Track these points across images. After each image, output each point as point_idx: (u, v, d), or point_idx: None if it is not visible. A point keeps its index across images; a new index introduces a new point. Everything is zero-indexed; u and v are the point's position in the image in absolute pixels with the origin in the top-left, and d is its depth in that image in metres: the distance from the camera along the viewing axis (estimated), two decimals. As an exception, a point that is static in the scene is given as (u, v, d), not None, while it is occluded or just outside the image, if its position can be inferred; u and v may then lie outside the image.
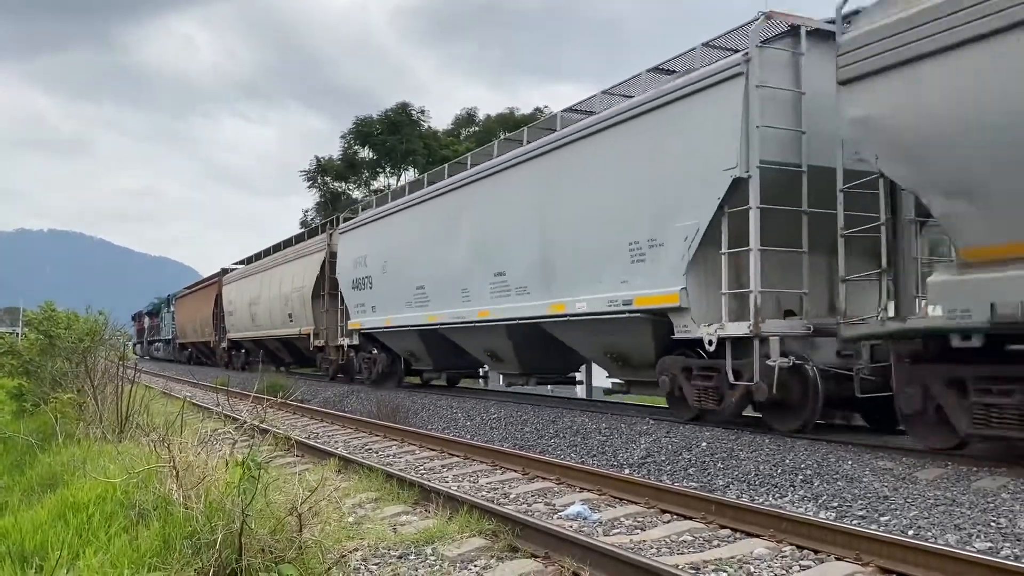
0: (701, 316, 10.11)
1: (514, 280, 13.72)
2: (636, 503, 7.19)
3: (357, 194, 49.19)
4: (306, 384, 21.92)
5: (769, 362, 9.12)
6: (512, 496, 7.73)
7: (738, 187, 9.38)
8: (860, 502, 6.90)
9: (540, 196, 12.93)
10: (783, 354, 9.11)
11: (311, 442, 11.17)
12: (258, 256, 29.68)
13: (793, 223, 9.41)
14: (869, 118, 7.91)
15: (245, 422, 6.22)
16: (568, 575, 5.04)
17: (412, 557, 5.46)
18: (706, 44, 10.61)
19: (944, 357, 7.71)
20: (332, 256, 21.60)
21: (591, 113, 12.35)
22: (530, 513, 6.72)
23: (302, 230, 25.88)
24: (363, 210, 20.91)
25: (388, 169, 50.14)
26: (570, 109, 13.49)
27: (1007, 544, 5.60)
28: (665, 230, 10.41)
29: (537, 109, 50.30)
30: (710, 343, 9.89)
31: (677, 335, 10.44)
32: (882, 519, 6.45)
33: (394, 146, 47.80)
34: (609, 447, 10.21)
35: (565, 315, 12.27)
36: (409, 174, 47.41)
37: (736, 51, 9.83)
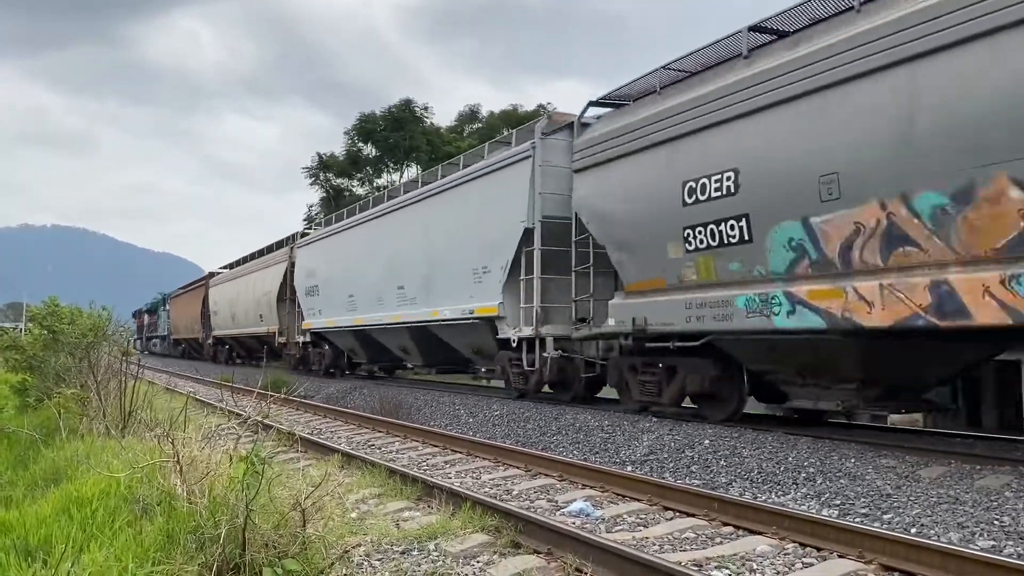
0: (511, 322, 13.92)
1: (410, 292, 17.66)
2: (639, 500, 7.19)
3: (360, 191, 49.19)
4: (309, 380, 22.01)
5: (544, 354, 13.15)
6: (515, 493, 7.74)
7: (528, 234, 13.39)
8: (863, 500, 6.90)
9: (425, 229, 17.08)
10: (557, 348, 13.18)
11: (314, 438, 11.19)
12: (238, 262, 33.52)
13: (566, 256, 13.03)
14: (584, 196, 12.25)
15: (249, 418, 6.23)
16: (571, 572, 5.04)
17: (415, 553, 5.47)
18: (519, 129, 15.03)
19: (626, 350, 12.10)
20: (292, 266, 25.65)
21: (465, 166, 16.46)
22: (533, 510, 6.73)
23: (273, 242, 29.63)
24: (316, 229, 25.33)
25: (391, 166, 50.12)
26: (448, 163, 18.01)
27: (1010, 542, 5.60)
28: (491, 261, 14.43)
29: (540, 106, 50.26)
30: (514, 342, 13.70)
31: (499, 336, 14.26)
32: (885, 517, 6.45)
33: (397, 143, 47.76)
34: (611, 444, 10.22)
35: (438, 320, 16.28)
36: (412, 171, 47.38)
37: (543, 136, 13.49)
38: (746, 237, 9.31)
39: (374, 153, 50.05)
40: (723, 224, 9.57)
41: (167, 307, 49.98)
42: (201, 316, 37.63)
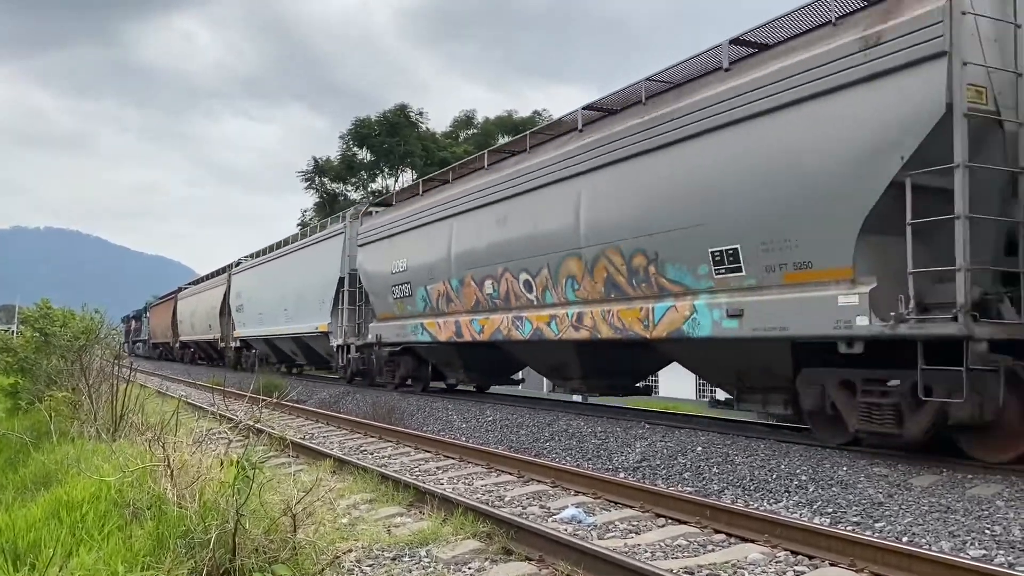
0: (335, 335, 21.26)
1: (290, 313, 24.77)
2: (631, 507, 7.18)
3: (355, 195, 49.17)
4: (302, 384, 22.05)
5: (352, 355, 20.58)
6: (507, 499, 7.73)
7: (342, 280, 20.97)
8: (855, 508, 6.90)
9: (295, 270, 24.95)
10: (358, 351, 20.37)
11: (306, 443, 11.15)
12: (197, 281, 42.74)
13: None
14: (360, 262, 19.65)
15: (240, 422, 6.21)
16: (562, 578, 5.04)
17: (406, 559, 5.45)
18: (339, 214, 23.83)
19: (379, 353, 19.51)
20: (228, 289, 32.85)
21: (321, 228, 24.75)
22: (525, 516, 6.72)
23: (222, 266, 36.83)
24: (248, 260, 32.11)
25: (386, 171, 50.13)
26: (301, 224, 25.61)
27: (1001, 551, 5.61)
28: (325, 295, 21.78)
29: (536, 112, 50.36)
30: (340, 348, 21.19)
31: (331, 344, 21.64)
32: (877, 525, 6.45)
33: (392, 148, 47.78)
34: (604, 451, 10.21)
35: (304, 332, 23.60)
36: (407, 176, 47.39)
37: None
38: (408, 293, 17.09)
39: (369, 158, 50.06)
40: (404, 285, 17.20)
41: (147, 315, 57.07)
42: (172, 324, 44.59)
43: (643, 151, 10.33)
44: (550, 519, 6.84)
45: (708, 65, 9.95)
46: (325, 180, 51.22)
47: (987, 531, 5.95)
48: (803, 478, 7.84)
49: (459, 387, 18.86)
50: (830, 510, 6.98)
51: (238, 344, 31.73)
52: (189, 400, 16.36)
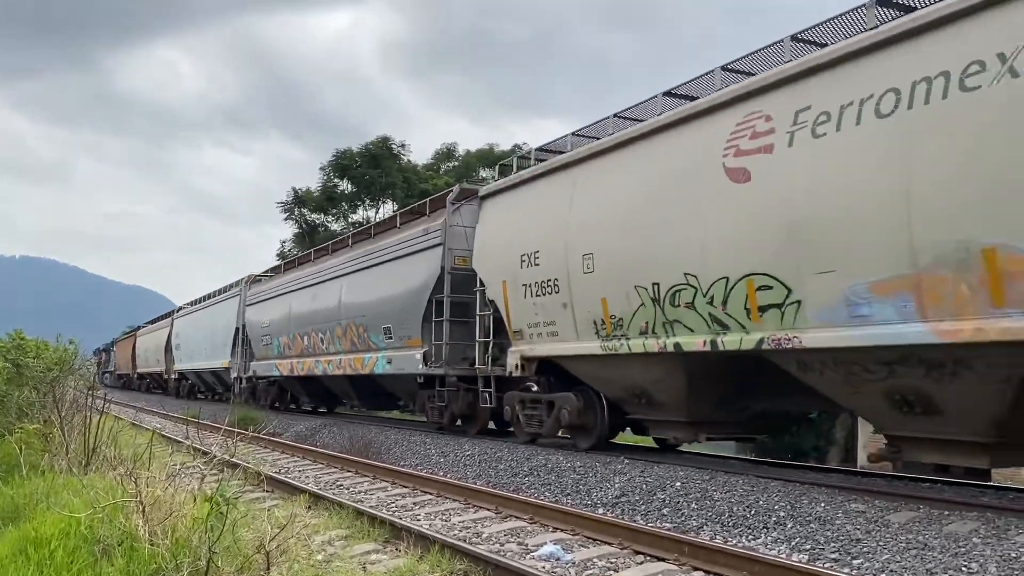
0: (234, 370, 26.89)
1: (207, 352, 30.91)
2: (609, 544, 7.14)
3: (336, 227, 49.08)
4: (278, 418, 21.81)
5: (243, 385, 26.58)
6: (484, 535, 7.65)
7: (238, 331, 26.88)
8: (833, 544, 6.89)
9: (210, 319, 30.89)
10: (248, 380, 26.39)
11: (281, 477, 11.02)
12: (153, 321, 48.11)
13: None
14: (248, 317, 26.93)
15: (215, 456, 6.14)
16: (540, 617, 4.98)
17: (382, 597, 5.38)
18: (236, 281, 29.77)
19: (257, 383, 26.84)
20: (172, 330, 38.46)
21: (217, 292, 31.85)
22: (502, 553, 6.66)
23: (170, 309, 42.36)
24: (187, 306, 37.67)
25: (367, 202, 50.12)
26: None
27: (978, 589, 5.61)
28: (228, 339, 27.78)
29: (516, 145, 50.64)
30: (236, 379, 26.92)
31: (233, 377, 27.26)
32: (855, 562, 6.44)
33: (373, 179, 47.83)
34: (583, 486, 10.16)
35: (215, 367, 29.81)
36: (388, 207, 47.40)
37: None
38: (269, 342, 23.79)
39: (350, 189, 50.06)
40: (267, 336, 23.60)
41: (114, 349, 62.89)
42: (132, 358, 50.11)
43: (361, 268, 18.53)
44: (528, 556, 6.78)
45: (384, 227, 19.58)
46: (305, 211, 51.13)
47: (964, 568, 5.96)
48: (781, 514, 7.83)
49: (316, 408, 25.34)
50: (808, 547, 6.97)
51: (177, 376, 38.09)
52: (163, 432, 16.15)
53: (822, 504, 7.89)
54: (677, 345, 9.83)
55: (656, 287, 9.93)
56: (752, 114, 8.82)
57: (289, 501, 8.76)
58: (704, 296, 9.31)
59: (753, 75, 9.21)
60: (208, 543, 4.29)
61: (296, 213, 51.08)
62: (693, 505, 8.62)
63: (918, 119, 7.11)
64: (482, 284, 13.82)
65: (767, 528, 7.62)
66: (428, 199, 17.52)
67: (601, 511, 8.97)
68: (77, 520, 5.49)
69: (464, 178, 21.74)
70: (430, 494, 10.02)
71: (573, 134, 12.55)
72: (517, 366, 12.88)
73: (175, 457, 8.86)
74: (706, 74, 10.18)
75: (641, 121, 10.50)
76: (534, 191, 12.80)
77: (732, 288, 8.97)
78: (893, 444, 8.32)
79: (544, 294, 12.02)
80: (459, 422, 15.72)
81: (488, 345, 13.91)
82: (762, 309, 8.66)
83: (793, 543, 7.13)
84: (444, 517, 8.61)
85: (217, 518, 4.42)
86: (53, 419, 10.62)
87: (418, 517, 8.57)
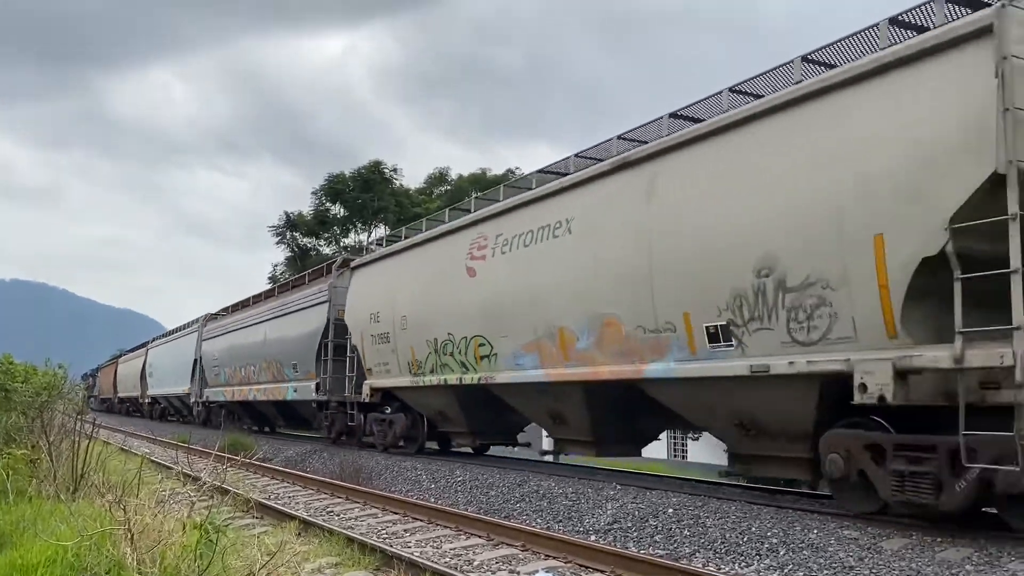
0: (193, 395, 31.89)
1: (173, 379, 35.57)
2: (602, 571, 7.10)
3: (328, 251, 49.11)
4: (268, 443, 21.71)
5: (199, 408, 31.64)
6: (476, 563, 7.60)
7: (196, 361, 31.80)
8: (826, 571, 6.87)
9: (175, 351, 35.59)
10: (203, 403, 31.32)
11: (271, 503, 10.94)
12: (132, 349, 52.81)
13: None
14: (204, 350, 31.35)
15: (205, 483, 6.09)
16: (531, 646, 4.95)
17: (372, 626, 5.33)
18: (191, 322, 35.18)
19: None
20: (147, 359, 42.46)
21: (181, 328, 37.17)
22: (494, 580, 6.61)
23: (160, 333, 45.74)
24: (160, 338, 42.54)
25: (359, 226, 50.19)
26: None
27: (971, 617, 5.59)
28: (188, 369, 32.46)
29: (509, 170, 50.84)
30: (195, 403, 31.83)
31: (192, 401, 32.22)
32: (848, 590, 6.41)
33: (366, 203, 47.93)
34: (576, 512, 10.11)
35: (180, 393, 34.45)
36: (380, 231, 47.45)
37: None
38: (219, 372, 28.74)
39: (342, 213, 50.14)
40: (216, 367, 28.90)
41: (98, 375, 65.65)
42: (113, 383, 53.81)
43: (277, 315, 23.08)
44: (520, 584, 6.73)
45: (299, 282, 23.99)
46: (297, 235, 51.14)
47: (957, 596, 5.94)
48: (774, 541, 7.80)
49: (254, 428, 28.57)
50: (801, 574, 6.94)
51: (150, 400, 42.45)
52: (153, 458, 16.03)
53: (815, 531, 7.87)
54: (445, 380, 14.76)
55: (436, 341, 14.79)
56: (479, 235, 13.73)
57: (279, 528, 8.70)
58: (457, 348, 14.23)
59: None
60: (197, 571, 4.25)
61: (288, 237, 51.10)
62: (686, 532, 8.59)
63: (536, 249, 12.12)
64: (349, 333, 18.39)
65: (760, 555, 7.58)
66: (325, 264, 22.95)
67: (593, 538, 8.92)
68: (64, 548, 5.44)
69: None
70: (421, 520, 9.95)
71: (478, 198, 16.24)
72: (368, 394, 17.60)
73: (165, 483, 8.78)
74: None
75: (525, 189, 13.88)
76: (379, 268, 17.77)
77: (468, 344, 13.85)
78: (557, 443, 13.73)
79: (382, 343, 16.70)
80: (343, 437, 19.83)
81: (352, 379, 18.50)
82: (481, 357, 13.55)
83: (786, 570, 7.10)
84: (435, 544, 8.55)
85: (206, 546, 4.38)
86: (41, 444, 10.53)
87: (409, 544, 8.51)
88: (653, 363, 10.08)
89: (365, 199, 47.84)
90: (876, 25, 8.31)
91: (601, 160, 11.59)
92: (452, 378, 14.40)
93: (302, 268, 37.16)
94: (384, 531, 9.38)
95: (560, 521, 9.94)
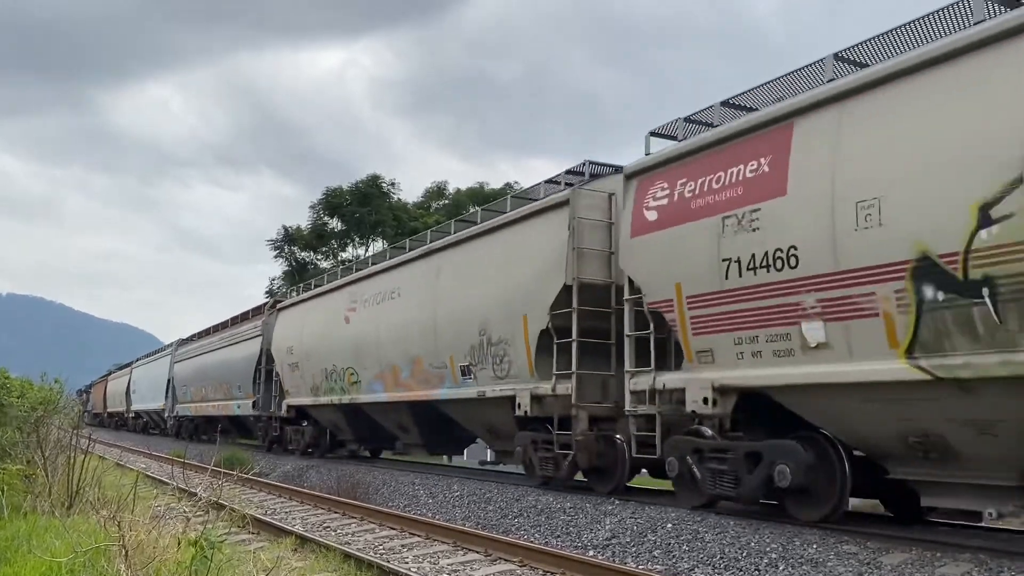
0: (166, 411, 36.43)
1: (151, 396, 40.19)
2: (600, 587, 7.04)
3: (325, 264, 49.08)
4: (264, 458, 21.63)
5: (172, 422, 36.25)
6: (473, 578, 7.55)
7: (169, 380, 36.07)
8: (825, 588, 6.82)
9: (153, 370, 40.44)
10: (175, 418, 36.04)
11: (267, 519, 10.88)
12: (120, 367, 57.01)
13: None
14: (175, 371, 35.32)
15: (201, 498, 6.05)
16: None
17: (369, 643, 5.28)
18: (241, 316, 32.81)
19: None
20: (131, 378, 46.61)
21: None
22: (492, 597, 6.56)
23: (127, 362, 52.48)
24: (142, 359, 46.52)
25: (357, 240, 50.18)
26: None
27: (972, 633, 5.55)
28: (162, 387, 37.35)
29: (507, 184, 50.91)
30: (168, 417, 36.35)
31: (166, 415, 37.09)
32: (848, 606, 6.37)
33: (363, 217, 47.92)
34: (573, 527, 10.06)
35: (159, 408, 38.32)
36: (378, 245, 47.45)
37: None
38: (185, 391, 33.18)
39: (340, 227, 50.12)
40: (185, 387, 33.49)
41: (91, 391, 68.61)
42: (103, 399, 57.82)
43: (226, 345, 28.08)
44: (517, 600, 6.68)
45: (245, 317, 27.60)
46: (295, 249, 51.11)
47: (958, 612, 5.90)
48: (773, 556, 7.75)
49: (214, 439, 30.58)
50: (801, 590, 6.89)
51: (134, 414, 46.70)
52: (149, 473, 15.95)
53: (814, 546, 7.83)
54: (331, 400, 19.51)
55: (327, 370, 19.53)
56: (354, 292, 18.61)
57: (276, 543, 8.65)
58: (339, 376, 18.92)
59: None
60: (192, 588, 4.21)
61: (286, 251, 51.07)
62: (684, 547, 8.54)
63: (381, 307, 17.07)
64: (272, 360, 23.03)
65: (759, 570, 7.54)
66: (264, 303, 27.03)
67: (591, 553, 8.87)
68: (58, 565, 5.40)
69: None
70: (418, 536, 9.90)
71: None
72: (286, 411, 22.50)
73: (160, 498, 8.72)
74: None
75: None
76: (295, 310, 22.56)
77: (344, 373, 18.54)
78: None
79: (295, 370, 21.39)
80: (274, 444, 24.15)
81: (277, 398, 23.11)
82: (352, 383, 18.27)
83: (785, 586, 7.05)
84: (433, 560, 8.50)
85: (202, 562, 4.34)
86: (36, 460, 10.49)
87: (406, 560, 8.45)
88: (438, 388, 14.94)
89: (363, 213, 47.85)
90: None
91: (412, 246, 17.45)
92: (335, 399, 19.25)
93: (300, 281, 37.18)
94: (381, 547, 9.32)
95: (558, 536, 9.89)
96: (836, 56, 8.92)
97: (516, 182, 51.31)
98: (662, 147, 10.72)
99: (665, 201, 10.13)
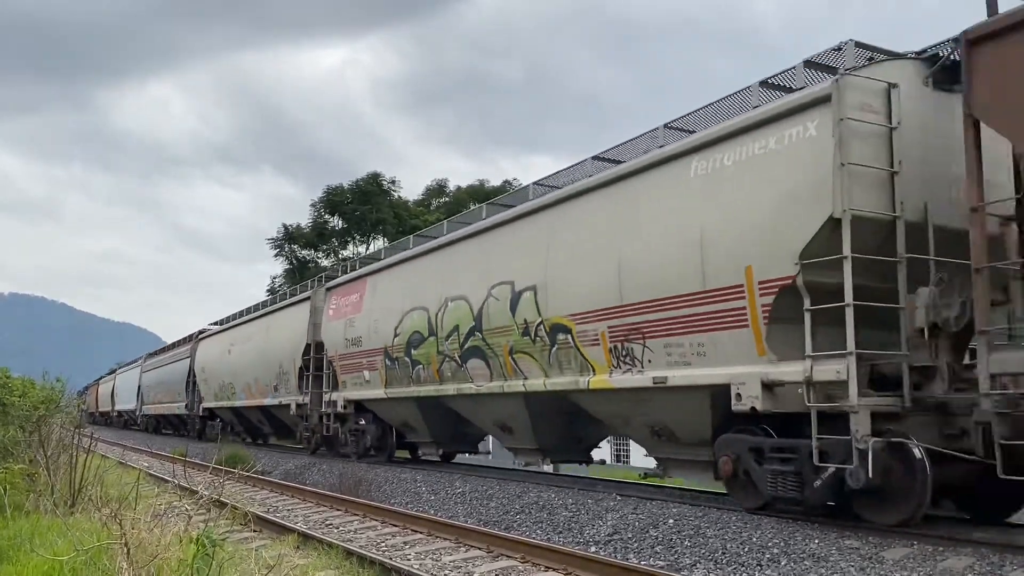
0: (137, 409, 45.05)
1: (129, 399, 46.42)
2: (602, 583, 7.04)
3: (326, 263, 49.10)
4: (267, 456, 21.63)
5: (140, 420, 45.37)
6: (476, 575, 7.55)
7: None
8: (827, 583, 6.82)
9: (129, 379, 48.28)
10: (143, 416, 44.61)
11: (270, 516, 10.89)
12: (109, 373, 63.00)
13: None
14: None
15: (203, 496, 6.06)
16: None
17: (371, 640, 5.29)
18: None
19: None
20: (115, 383, 53.20)
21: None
22: (493, 593, 6.57)
23: (129, 361, 54.50)
24: (123, 366, 52.99)
25: (358, 238, 50.19)
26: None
27: (974, 627, 5.55)
28: (135, 391, 44.99)
29: (506, 181, 50.92)
30: (140, 416, 44.85)
31: (138, 414, 45.14)
32: (850, 600, 6.37)
33: (364, 215, 47.94)
34: (575, 523, 10.06)
35: (131, 408, 46.29)
36: (379, 243, 47.46)
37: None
38: (223, 388, 29.52)
39: (341, 225, 50.14)
40: (152, 391, 41.10)
41: (88, 391, 72.68)
42: (96, 400, 62.93)
43: (166, 364, 37.88)
44: (519, 596, 6.68)
45: (171, 347, 39.99)
46: (295, 247, 51.13)
47: (960, 606, 5.90)
48: (775, 551, 7.75)
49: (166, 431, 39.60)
50: (803, 585, 6.89)
51: (117, 413, 52.66)
52: (151, 471, 15.97)
53: (816, 541, 7.83)
54: (223, 404, 28.10)
55: (221, 383, 28.06)
56: (231, 336, 27.83)
57: (278, 541, 8.65)
58: (227, 387, 27.05)
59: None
60: (193, 586, 4.21)
61: (287, 249, 51.07)
62: (687, 543, 8.54)
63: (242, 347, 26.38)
64: (195, 374, 31.43)
65: (761, 566, 7.54)
66: (192, 333, 34.26)
67: (593, 549, 8.87)
68: (60, 563, 5.40)
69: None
70: (420, 533, 9.90)
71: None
72: (202, 411, 30.55)
73: (162, 497, 8.73)
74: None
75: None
76: (207, 342, 31.12)
77: (229, 386, 26.98)
78: None
79: (205, 383, 30.19)
80: (201, 435, 31.55)
81: (198, 402, 31.20)
82: (232, 393, 27.10)
83: (787, 581, 7.05)
84: (435, 556, 8.50)
85: (203, 560, 4.35)
86: (39, 459, 10.50)
87: (408, 557, 8.46)
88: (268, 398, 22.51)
89: (363, 211, 47.86)
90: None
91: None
92: (227, 403, 27.88)
93: (301, 280, 37.16)
94: (383, 544, 9.33)
95: (560, 532, 9.89)
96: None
97: (515, 179, 51.27)
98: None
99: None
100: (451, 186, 53.27)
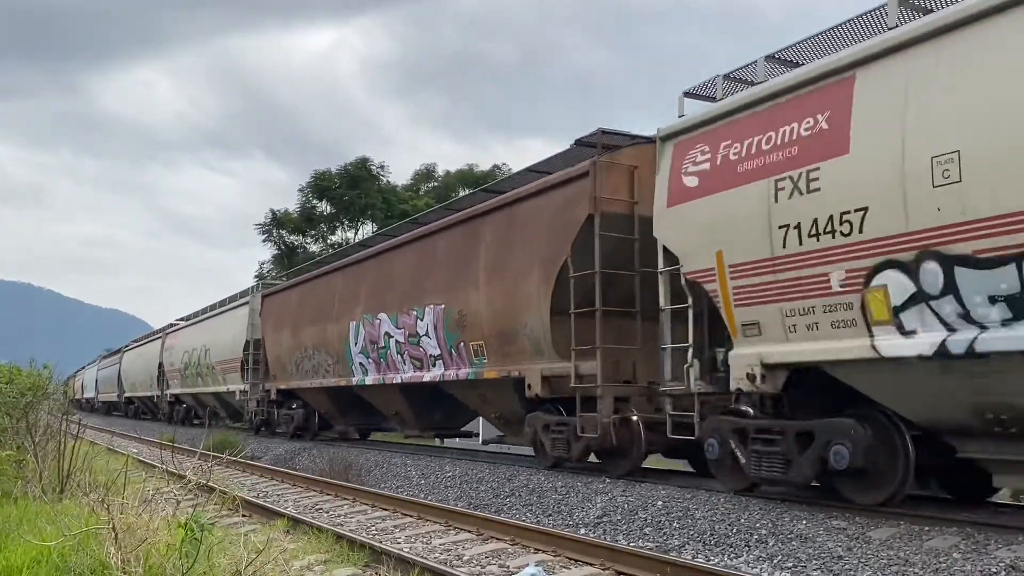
0: (118, 396, 49.79)
1: (110, 388, 51.82)
2: (591, 564, 7.09)
3: (314, 248, 48.90)
4: (256, 440, 21.65)
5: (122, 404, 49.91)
6: (465, 558, 7.58)
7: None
8: (815, 562, 6.88)
9: (109, 371, 52.59)
10: (125, 401, 48.44)
11: (259, 501, 10.90)
12: (89, 363, 68.64)
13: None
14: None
15: (191, 481, 6.04)
16: (521, 640, 4.94)
17: (360, 622, 5.30)
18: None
19: None
20: (98, 371, 58.45)
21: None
22: (484, 575, 6.59)
23: (117, 348, 56.95)
24: (104, 359, 57.75)
25: (346, 223, 49.96)
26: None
27: (959, 605, 5.61)
28: (115, 381, 49.12)
29: (495, 166, 50.74)
30: (122, 401, 49.15)
31: (119, 399, 50.18)
32: (836, 580, 6.43)
33: (353, 200, 47.68)
34: (565, 506, 10.10)
35: (112, 397, 51.90)
36: (368, 228, 47.30)
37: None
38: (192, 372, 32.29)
39: (329, 210, 49.88)
40: (132, 380, 45.56)
41: (70, 381, 75.24)
42: (81, 388, 68.09)
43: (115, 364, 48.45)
44: (509, 578, 6.72)
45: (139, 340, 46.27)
46: (283, 232, 50.86)
47: (945, 584, 5.96)
48: (763, 532, 7.81)
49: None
50: (790, 564, 6.95)
51: (86, 400, 60.48)
52: (139, 457, 15.94)
53: (803, 521, 7.89)
54: (188, 391, 32.04)
55: (181, 371, 32.88)
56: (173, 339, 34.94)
57: (267, 526, 8.66)
58: (191, 374, 31.25)
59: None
60: (182, 570, 4.21)
61: (275, 235, 50.80)
62: (675, 524, 8.59)
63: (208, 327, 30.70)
64: (163, 367, 35.34)
65: (749, 546, 7.60)
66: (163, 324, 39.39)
67: (583, 531, 8.92)
68: (48, 549, 5.39)
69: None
70: (410, 516, 9.93)
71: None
72: (170, 397, 34.82)
73: (150, 482, 8.71)
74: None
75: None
76: (171, 338, 35.08)
77: (184, 373, 32.20)
78: None
79: (173, 375, 34.68)
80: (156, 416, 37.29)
81: (167, 390, 35.44)
82: (191, 376, 31.32)
83: (775, 561, 7.11)
84: (425, 540, 8.53)
85: (192, 544, 4.35)
86: (27, 445, 10.46)
87: (398, 540, 8.48)
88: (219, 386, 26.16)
89: (352, 196, 47.59)
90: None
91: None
92: (191, 390, 31.16)
93: (290, 266, 36.97)
94: (373, 527, 9.35)
95: (549, 515, 9.93)
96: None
97: (504, 163, 51.12)
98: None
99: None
100: (440, 171, 53.07)
